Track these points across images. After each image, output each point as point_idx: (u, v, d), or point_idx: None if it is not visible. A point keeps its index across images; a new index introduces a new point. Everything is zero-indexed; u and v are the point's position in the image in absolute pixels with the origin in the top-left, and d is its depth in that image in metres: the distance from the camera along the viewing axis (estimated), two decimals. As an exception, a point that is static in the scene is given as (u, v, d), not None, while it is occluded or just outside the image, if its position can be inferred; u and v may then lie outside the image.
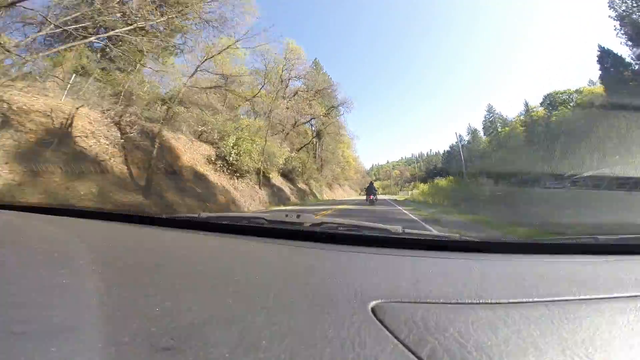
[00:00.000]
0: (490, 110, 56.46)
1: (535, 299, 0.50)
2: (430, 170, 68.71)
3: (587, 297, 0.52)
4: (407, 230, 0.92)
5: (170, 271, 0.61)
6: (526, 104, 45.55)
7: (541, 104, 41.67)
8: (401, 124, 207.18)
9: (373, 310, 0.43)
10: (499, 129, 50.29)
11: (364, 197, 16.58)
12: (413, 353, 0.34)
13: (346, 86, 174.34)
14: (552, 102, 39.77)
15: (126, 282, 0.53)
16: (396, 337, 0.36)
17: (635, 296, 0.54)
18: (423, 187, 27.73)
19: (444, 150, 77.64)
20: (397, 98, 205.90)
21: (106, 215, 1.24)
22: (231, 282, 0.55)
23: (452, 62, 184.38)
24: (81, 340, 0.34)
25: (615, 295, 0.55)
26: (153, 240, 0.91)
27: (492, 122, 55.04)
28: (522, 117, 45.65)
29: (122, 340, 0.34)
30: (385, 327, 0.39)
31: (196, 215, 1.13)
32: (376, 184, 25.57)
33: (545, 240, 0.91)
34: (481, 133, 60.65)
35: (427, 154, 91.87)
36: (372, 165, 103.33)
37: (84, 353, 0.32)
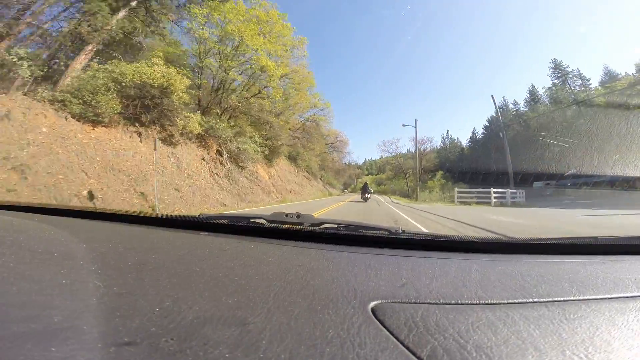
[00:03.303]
0: (557, 66, 34.89)
1: (535, 299, 0.50)
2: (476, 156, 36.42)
3: (587, 297, 0.52)
4: (407, 231, 0.93)
5: (170, 271, 0.61)
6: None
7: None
8: (393, 119, 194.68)
9: (373, 310, 0.43)
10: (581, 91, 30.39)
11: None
12: (413, 353, 0.34)
13: (340, 83, 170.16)
14: None
15: (126, 282, 0.53)
16: (396, 337, 0.37)
17: (635, 296, 0.54)
18: None
19: (474, 132, 47.96)
20: (389, 89, 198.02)
21: (106, 216, 1.24)
22: (231, 282, 0.55)
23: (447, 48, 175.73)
24: (81, 340, 0.34)
25: (615, 295, 0.55)
26: (153, 241, 0.91)
27: (563, 81, 34.15)
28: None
29: (122, 340, 0.34)
30: (385, 327, 0.39)
31: (196, 215, 1.14)
32: (370, 178, 21.37)
33: (545, 240, 0.91)
34: (521, 106, 37.83)
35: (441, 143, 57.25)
36: (365, 160, 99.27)
37: (84, 353, 0.32)
